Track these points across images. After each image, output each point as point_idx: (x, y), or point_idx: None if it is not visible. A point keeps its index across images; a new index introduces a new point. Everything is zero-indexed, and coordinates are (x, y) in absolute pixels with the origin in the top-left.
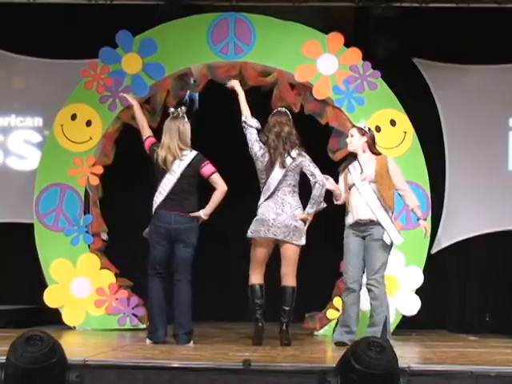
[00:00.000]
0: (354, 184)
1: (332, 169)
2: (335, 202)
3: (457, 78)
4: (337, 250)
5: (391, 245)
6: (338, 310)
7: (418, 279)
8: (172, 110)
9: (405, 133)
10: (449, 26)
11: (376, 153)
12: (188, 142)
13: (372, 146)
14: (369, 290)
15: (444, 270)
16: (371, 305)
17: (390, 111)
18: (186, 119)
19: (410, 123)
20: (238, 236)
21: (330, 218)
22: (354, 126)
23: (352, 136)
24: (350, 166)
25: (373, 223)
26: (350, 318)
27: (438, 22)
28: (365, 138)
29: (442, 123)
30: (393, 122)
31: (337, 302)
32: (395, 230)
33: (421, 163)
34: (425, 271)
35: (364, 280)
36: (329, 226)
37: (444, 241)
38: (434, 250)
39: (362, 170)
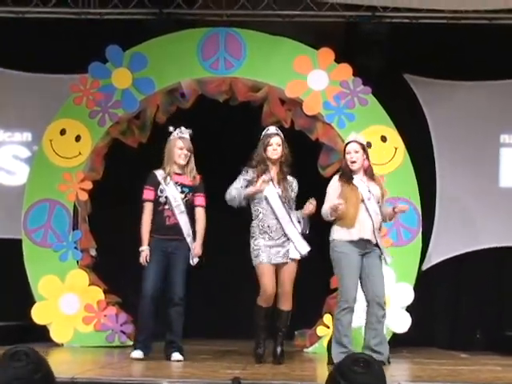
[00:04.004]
0: (362, 200)
1: (322, 185)
2: (329, 218)
3: (448, 94)
4: (326, 265)
5: None
6: (327, 327)
7: (409, 296)
8: (172, 128)
9: (395, 149)
10: (439, 42)
11: (371, 171)
12: None
13: (370, 163)
14: (380, 307)
15: (435, 287)
16: (379, 322)
17: (381, 127)
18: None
19: (401, 139)
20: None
21: (319, 231)
22: (354, 141)
23: (357, 152)
24: (356, 181)
25: (372, 243)
26: (347, 339)
27: (428, 38)
28: (364, 156)
29: (433, 139)
30: (383, 138)
31: (327, 319)
32: (386, 251)
33: (411, 179)
34: (415, 288)
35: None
36: (317, 240)
37: (435, 257)
38: (424, 267)
39: (368, 188)
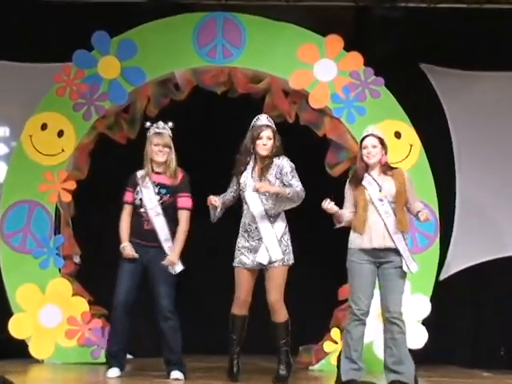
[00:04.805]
0: (371, 202)
1: (329, 185)
2: (337, 226)
3: (468, 86)
4: (334, 275)
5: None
6: (335, 343)
7: (425, 308)
8: (148, 124)
9: (411, 146)
10: (459, 29)
11: (390, 166)
12: None
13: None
14: (392, 324)
15: (453, 299)
16: (394, 339)
17: (395, 122)
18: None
19: (417, 135)
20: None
21: (325, 238)
22: (372, 135)
23: (375, 147)
24: (365, 181)
25: (390, 250)
26: (357, 353)
27: (447, 24)
28: (383, 150)
29: (452, 135)
30: (397, 135)
31: (335, 333)
32: (411, 257)
33: (428, 180)
34: (432, 299)
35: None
36: (323, 248)
37: (454, 266)
38: (442, 277)
39: (380, 187)
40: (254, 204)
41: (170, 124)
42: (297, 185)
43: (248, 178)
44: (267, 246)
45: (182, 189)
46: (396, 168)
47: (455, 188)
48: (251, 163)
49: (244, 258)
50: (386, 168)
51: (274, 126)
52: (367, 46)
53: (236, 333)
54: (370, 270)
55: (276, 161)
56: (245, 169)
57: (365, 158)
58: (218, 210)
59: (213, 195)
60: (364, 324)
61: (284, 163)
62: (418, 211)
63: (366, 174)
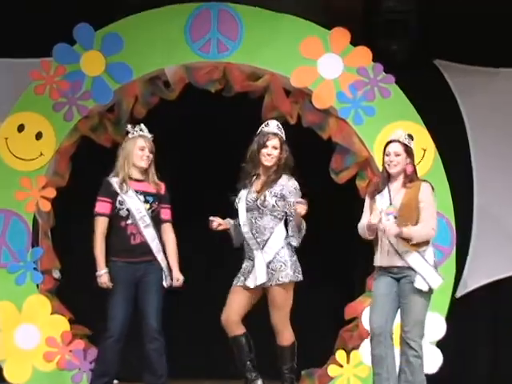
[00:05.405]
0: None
1: (335, 194)
2: (366, 236)
3: (488, 84)
4: (338, 291)
5: (430, 290)
6: (341, 366)
7: (440, 329)
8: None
9: (424, 150)
10: (477, 22)
11: (416, 177)
12: None
13: (415, 168)
14: (407, 345)
15: (471, 318)
16: (409, 363)
17: (406, 124)
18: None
19: (431, 139)
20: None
21: (330, 252)
22: (396, 140)
23: (398, 155)
24: (379, 195)
25: (405, 267)
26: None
27: (463, 17)
28: (408, 159)
29: (470, 138)
30: (409, 137)
31: (340, 356)
32: (432, 271)
33: (444, 187)
34: (448, 319)
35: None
36: (328, 263)
37: (471, 282)
38: (459, 294)
39: (390, 200)
40: (243, 221)
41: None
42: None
43: (243, 194)
44: (256, 267)
45: (165, 199)
46: (421, 180)
47: (473, 196)
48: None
49: (240, 275)
50: (411, 179)
51: (283, 135)
52: (376, 39)
53: (242, 353)
54: (384, 287)
55: (281, 181)
56: (250, 182)
57: (386, 166)
58: (232, 231)
59: (212, 217)
60: (381, 343)
61: (290, 183)
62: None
63: (386, 185)
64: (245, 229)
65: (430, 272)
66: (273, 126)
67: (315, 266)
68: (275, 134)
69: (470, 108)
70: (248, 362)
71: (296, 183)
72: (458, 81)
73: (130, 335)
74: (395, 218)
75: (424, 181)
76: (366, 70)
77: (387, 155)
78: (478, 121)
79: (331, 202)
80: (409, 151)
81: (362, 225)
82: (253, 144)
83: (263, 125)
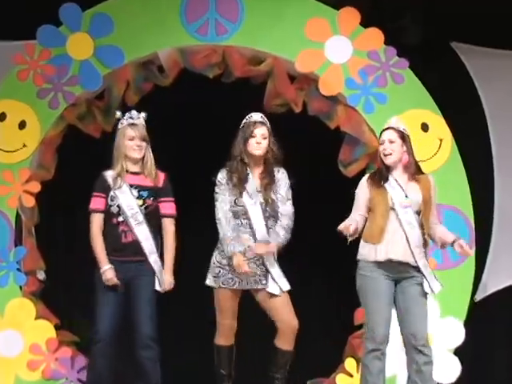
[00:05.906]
0: (393, 208)
1: (344, 187)
2: (349, 239)
3: (508, 67)
4: (347, 295)
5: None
6: (350, 376)
7: (458, 335)
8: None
9: (440, 140)
10: (496, 1)
11: (419, 170)
12: None
13: (414, 158)
14: (419, 353)
15: (492, 323)
16: (420, 372)
17: (421, 112)
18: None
19: (448, 128)
20: None
21: (336, 253)
22: (390, 127)
23: (392, 142)
24: (388, 184)
25: (409, 264)
26: None
27: None
28: (405, 148)
29: (490, 127)
30: (425, 127)
31: (349, 364)
32: (433, 275)
33: (461, 181)
34: (466, 324)
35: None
36: (335, 263)
37: (492, 285)
38: (478, 297)
39: (405, 192)
40: (258, 224)
41: (144, 114)
42: (288, 211)
43: (246, 197)
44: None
45: (165, 192)
46: (423, 173)
47: (493, 192)
48: (244, 172)
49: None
50: (413, 170)
51: (269, 125)
52: (388, 20)
53: (224, 365)
54: (385, 288)
55: (276, 173)
56: (238, 179)
57: (381, 157)
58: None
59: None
60: (383, 354)
61: (282, 177)
62: (453, 240)
63: (388, 174)
64: (259, 232)
65: (432, 277)
66: (257, 116)
67: (324, 269)
68: (262, 123)
69: (489, 94)
70: (224, 376)
71: (285, 173)
72: (478, 65)
73: (121, 342)
74: (417, 214)
75: (423, 173)
76: (377, 54)
77: (381, 143)
78: (500, 108)
79: (339, 198)
80: (404, 138)
81: (343, 223)
82: (236, 140)
83: (246, 118)
